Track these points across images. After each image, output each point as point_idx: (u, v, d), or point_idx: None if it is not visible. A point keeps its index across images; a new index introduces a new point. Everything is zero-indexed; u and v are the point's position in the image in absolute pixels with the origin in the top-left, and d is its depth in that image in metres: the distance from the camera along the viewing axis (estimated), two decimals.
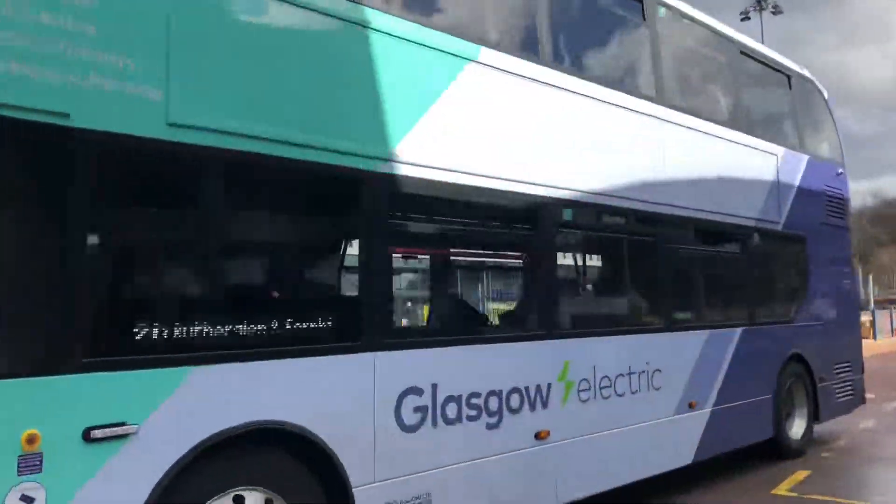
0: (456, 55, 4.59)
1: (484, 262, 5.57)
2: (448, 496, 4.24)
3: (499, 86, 4.83)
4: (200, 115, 3.38)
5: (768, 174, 7.57)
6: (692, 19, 6.88)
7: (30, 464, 2.78)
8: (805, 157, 8.26)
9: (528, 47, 5.12)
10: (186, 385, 3.22)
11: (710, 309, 6.92)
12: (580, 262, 5.77)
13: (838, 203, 8.90)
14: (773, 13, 39.60)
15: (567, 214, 5.23)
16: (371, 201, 4.02)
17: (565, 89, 5.29)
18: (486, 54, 4.76)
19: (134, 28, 3.21)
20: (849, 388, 8.76)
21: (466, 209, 4.72)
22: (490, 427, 4.56)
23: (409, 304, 4.98)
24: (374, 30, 4.12)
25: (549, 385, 4.97)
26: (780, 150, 7.81)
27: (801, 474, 7.02)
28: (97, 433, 2.94)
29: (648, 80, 6.24)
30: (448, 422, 4.31)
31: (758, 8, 39.19)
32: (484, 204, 4.74)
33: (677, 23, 6.69)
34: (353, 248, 4.04)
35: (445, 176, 4.42)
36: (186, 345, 3.25)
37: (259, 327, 3.54)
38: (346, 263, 4.12)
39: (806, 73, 8.80)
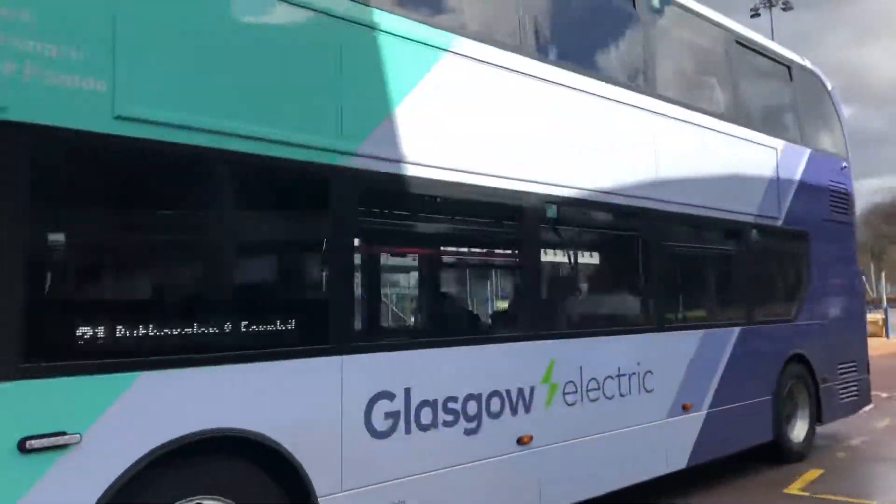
0: (431, 45, 4.41)
1: (462, 260, 5.36)
2: None
3: (477, 77, 4.65)
4: (150, 107, 3.21)
5: (767, 168, 7.34)
6: (684, 7, 6.65)
7: None
8: (806, 151, 8.02)
9: (508, 37, 4.93)
10: (133, 391, 3.06)
11: (705, 308, 6.72)
12: (566, 261, 5.56)
13: (842, 198, 8.65)
14: (784, 9, 39.28)
15: (551, 211, 5.03)
16: (338, 197, 3.84)
17: (549, 81, 5.10)
18: (464, 44, 4.57)
19: (75, 15, 3.04)
20: (854, 388, 8.52)
21: (442, 205, 4.55)
22: (468, 432, 4.39)
23: (381, 304, 4.80)
24: (340, 18, 3.94)
25: (533, 388, 4.79)
26: (779, 143, 7.58)
27: (814, 473, 6.91)
28: (34, 443, 2.78)
29: (638, 70, 6.03)
30: (423, 427, 4.13)
31: (767, 4, 38.86)
32: (461, 200, 4.56)
33: (669, 11, 6.47)
34: (320, 247, 3.87)
35: (419, 171, 4.24)
36: (132, 349, 3.07)
37: (215, 330, 3.37)
38: (312, 263, 3.94)
39: (808, 63, 8.56)
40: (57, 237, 3.06)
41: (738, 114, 7.08)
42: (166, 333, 3.21)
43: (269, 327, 3.56)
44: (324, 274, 3.86)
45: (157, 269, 3.35)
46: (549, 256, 5.31)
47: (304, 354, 3.65)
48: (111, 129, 3.09)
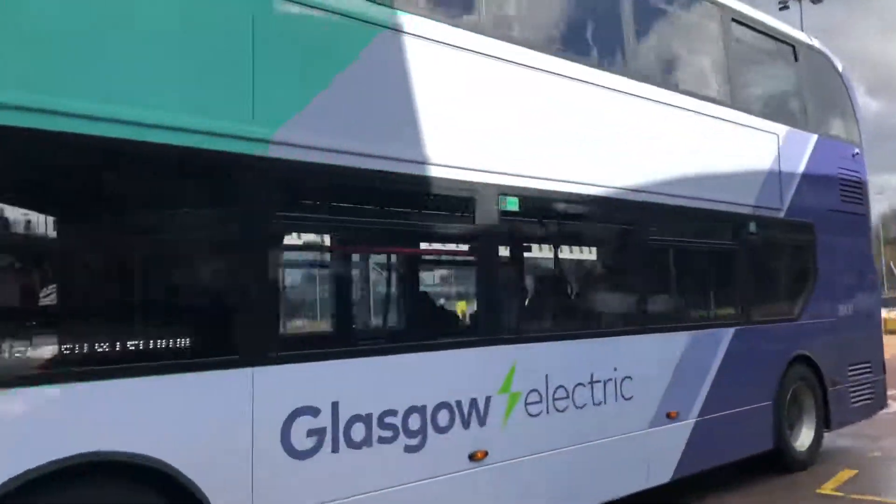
0: (366, 21, 3.98)
1: (402, 259, 4.91)
2: None
3: (425, 56, 4.21)
4: (18, 92, 2.82)
5: (766, 156, 6.79)
6: None
7: None
8: (813, 137, 7.44)
9: (460, 12, 4.48)
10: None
11: (694, 307, 6.22)
12: (529, 257, 5.10)
13: (854, 186, 8.03)
14: (813, 2, 38.17)
15: (510, 203, 4.55)
16: (250, 189, 3.44)
17: (511, 61, 4.65)
18: (404, 20, 4.14)
19: None
20: (867, 391, 7.91)
21: (377, 198, 4.12)
22: (410, 449, 3.97)
23: (303, 310, 4.38)
24: None
25: (489, 398, 4.35)
26: (781, 129, 7.02)
27: (848, 473, 6.73)
28: None
29: (618, 50, 5.54)
30: (354, 445, 3.72)
31: None
32: (400, 192, 4.14)
33: None
34: (226, 245, 3.47)
35: (350, 160, 3.81)
36: None
37: (100, 340, 3.00)
38: (216, 264, 3.53)
39: (816, 43, 7.97)
40: None
41: (733, 97, 6.54)
42: (37, 345, 2.84)
43: (164, 337, 3.17)
44: (231, 277, 3.46)
45: (26, 272, 2.97)
46: (508, 252, 4.86)
47: (206, 367, 3.25)
48: None
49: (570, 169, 4.94)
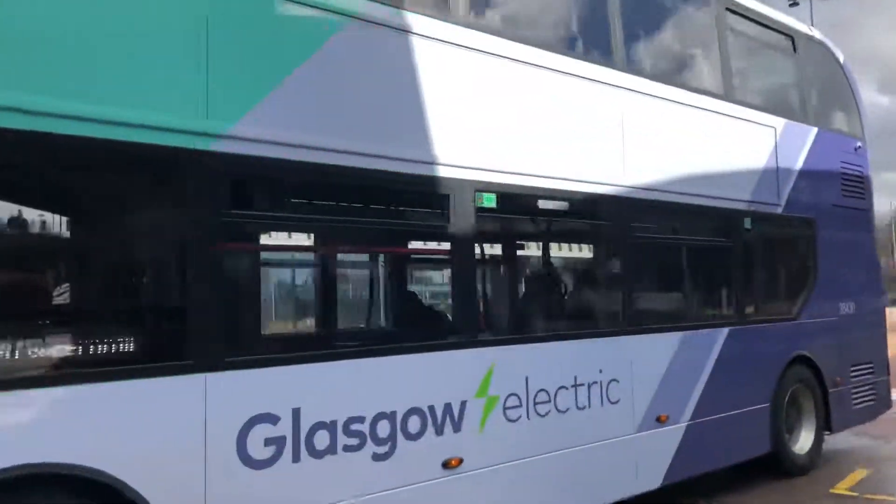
0: (330, 10, 3.81)
1: (371, 258, 4.74)
2: None
3: (389, 47, 4.04)
4: None
5: (763, 150, 6.57)
6: None
7: None
8: (812, 130, 7.22)
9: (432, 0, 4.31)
10: None
11: (685, 307, 6.01)
12: (507, 255, 4.91)
13: (856, 181, 7.79)
14: None
15: (487, 200, 4.38)
16: (199, 186, 3.27)
17: (488, 52, 4.47)
18: (369, 8, 3.96)
19: None
20: (870, 392, 7.67)
21: (339, 194, 3.95)
22: (378, 457, 3.80)
23: (260, 312, 4.21)
24: None
25: (464, 403, 4.18)
26: (779, 122, 6.80)
27: (862, 473, 6.72)
28: None
29: (604, 40, 5.34)
30: (316, 454, 3.56)
31: None
32: (363, 187, 3.96)
33: None
34: (176, 245, 3.31)
35: (314, 156, 3.64)
36: None
37: (39, 346, 2.86)
38: (165, 265, 3.37)
39: (816, 34, 7.74)
40: None
41: (727, 90, 6.33)
42: None
43: (110, 341, 3.02)
44: (182, 278, 3.29)
45: None
46: (485, 250, 4.68)
47: (156, 373, 3.10)
48: None
49: (550, 164, 4.75)
